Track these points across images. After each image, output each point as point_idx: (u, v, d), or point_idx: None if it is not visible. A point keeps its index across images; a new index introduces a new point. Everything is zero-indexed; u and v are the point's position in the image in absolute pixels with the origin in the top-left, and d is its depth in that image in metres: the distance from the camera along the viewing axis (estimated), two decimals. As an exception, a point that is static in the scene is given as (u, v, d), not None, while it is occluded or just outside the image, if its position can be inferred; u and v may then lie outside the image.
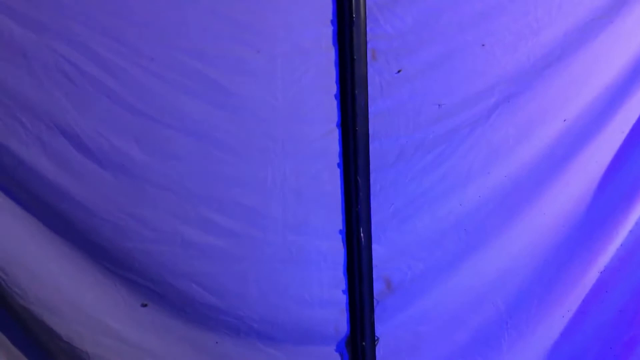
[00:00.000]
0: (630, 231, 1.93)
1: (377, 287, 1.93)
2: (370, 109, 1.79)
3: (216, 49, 1.66)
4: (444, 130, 1.83)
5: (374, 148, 1.82)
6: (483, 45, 1.76)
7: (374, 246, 1.89)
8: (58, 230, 1.69)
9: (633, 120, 1.89)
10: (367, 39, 1.73)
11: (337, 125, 1.78)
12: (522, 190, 1.91)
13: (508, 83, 1.80)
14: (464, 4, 1.74)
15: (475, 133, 1.84)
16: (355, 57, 1.71)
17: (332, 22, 1.70)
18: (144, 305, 1.80)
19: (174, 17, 1.62)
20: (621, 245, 1.94)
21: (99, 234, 1.71)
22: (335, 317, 1.91)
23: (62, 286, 1.72)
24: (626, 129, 1.89)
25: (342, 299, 1.91)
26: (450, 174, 1.88)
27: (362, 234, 1.85)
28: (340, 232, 1.87)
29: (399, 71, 1.77)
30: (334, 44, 1.72)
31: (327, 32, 1.71)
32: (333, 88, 1.76)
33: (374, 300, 1.93)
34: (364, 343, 1.92)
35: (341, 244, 1.87)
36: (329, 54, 1.73)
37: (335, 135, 1.79)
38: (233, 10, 1.65)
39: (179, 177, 1.71)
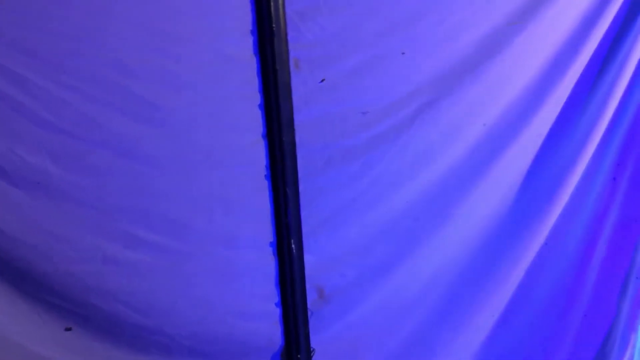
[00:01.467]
0: (551, 229, 1.93)
1: (311, 297, 1.86)
2: (296, 118, 1.73)
3: (135, 60, 1.57)
4: (369, 137, 1.79)
5: (302, 157, 1.77)
6: (403, 53, 1.74)
7: (306, 256, 1.83)
8: (-29, 254, 1.56)
9: (550, 122, 1.90)
10: (289, 48, 1.67)
11: (262, 136, 1.72)
12: (449, 194, 1.88)
13: (429, 89, 1.78)
14: (384, 12, 1.71)
15: (400, 139, 1.81)
16: (277, 67, 1.65)
17: (251, 32, 1.63)
18: (68, 329, 1.67)
19: (89, 28, 1.52)
20: (544, 243, 1.94)
21: (17, 256, 1.58)
22: (269, 330, 1.83)
23: (-22, 313, 1.58)
24: (544, 131, 1.90)
25: (276, 311, 1.83)
26: (378, 180, 1.84)
27: (292, 245, 1.78)
28: (271, 243, 1.79)
29: (322, 80, 1.72)
30: (255, 53, 1.66)
31: (248, 41, 1.64)
32: (257, 98, 1.70)
33: (308, 311, 1.86)
34: (299, 355, 1.85)
35: (272, 255, 1.80)
36: (251, 64, 1.67)
37: (261, 146, 1.72)
38: (152, 20, 1.56)
39: (99, 192, 1.60)
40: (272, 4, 1.61)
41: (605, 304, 1.97)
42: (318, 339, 1.88)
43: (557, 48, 1.82)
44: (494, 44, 1.78)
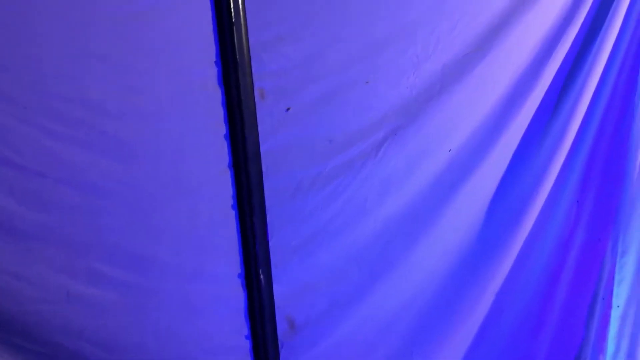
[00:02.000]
0: (519, 253, 1.94)
1: (281, 328, 1.83)
2: (262, 148, 1.71)
3: (99, 93, 1.54)
4: (336, 164, 1.78)
5: (270, 186, 1.75)
6: (367, 82, 1.74)
7: (275, 286, 1.80)
8: None
9: (514, 147, 1.92)
10: (254, 78, 1.66)
11: (229, 166, 1.69)
12: (417, 220, 1.88)
13: (394, 117, 1.78)
14: (347, 42, 1.71)
15: (367, 166, 1.80)
16: (242, 98, 1.64)
17: (215, 63, 1.62)
18: (32, 370, 1.61)
19: (51, 62, 1.49)
20: (512, 267, 1.95)
21: (-24, 297, 1.52)
22: (239, 364, 1.79)
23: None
24: (508, 155, 1.92)
25: (246, 344, 1.79)
26: (346, 207, 1.83)
27: (261, 276, 1.75)
28: (239, 275, 1.76)
29: (288, 109, 1.71)
30: (219, 84, 1.64)
31: (212, 73, 1.63)
32: (223, 129, 1.68)
33: (279, 342, 1.83)
34: (271, 387, 1.81)
35: (241, 287, 1.77)
36: (216, 95, 1.65)
37: (227, 176, 1.70)
38: (113, 53, 1.54)
39: (63, 230, 1.55)
40: (235, 35, 1.60)
41: (574, 326, 1.98)
42: (290, 370, 1.85)
43: (518, 74, 1.85)
44: (457, 72, 1.80)
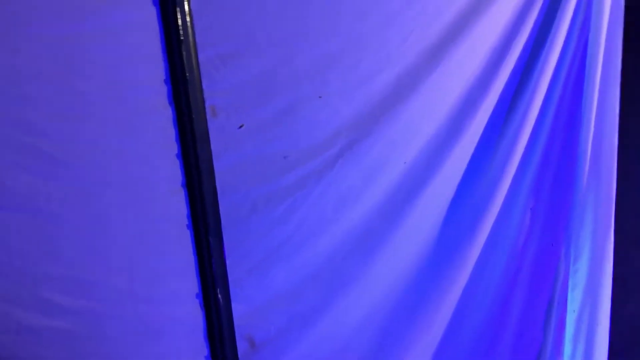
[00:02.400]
0: (476, 263, 1.94)
1: (241, 347, 1.79)
2: (216, 165, 1.68)
3: (43, 116, 1.49)
4: (292, 180, 1.76)
5: (225, 204, 1.71)
6: (320, 97, 1.73)
7: (234, 305, 1.76)
8: None
9: (468, 157, 1.93)
10: (205, 95, 1.63)
11: (182, 185, 1.66)
12: (374, 234, 1.87)
13: (348, 131, 1.76)
14: (300, 58, 1.69)
15: (323, 182, 1.78)
16: (193, 116, 1.60)
17: (165, 81, 1.59)
18: (-20, 405, 1.54)
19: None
20: (470, 277, 1.95)
21: None
22: (199, 386, 1.75)
23: None
24: (462, 166, 1.92)
25: (206, 365, 1.76)
26: (303, 223, 1.81)
27: (219, 295, 1.72)
28: (197, 295, 1.72)
29: (241, 126, 1.68)
30: (170, 103, 1.60)
31: (162, 91, 1.59)
32: (175, 148, 1.64)
33: (240, 362, 1.79)
34: (232, 408, 1.77)
35: (198, 307, 1.73)
36: (167, 113, 1.61)
37: (181, 196, 1.66)
38: (59, 73, 1.49)
39: (9, 259, 1.49)
40: (184, 52, 1.56)
41: (532, 331, 2.00)
42: (252, 390, 1.82)
43: (470, 83, 1.86)
44: (410, 83, 1.80)
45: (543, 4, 1.83)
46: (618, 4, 1.81)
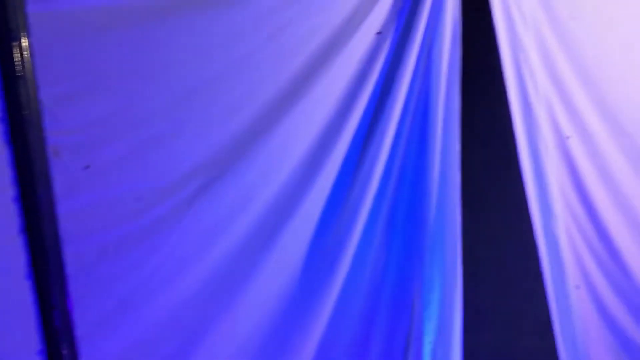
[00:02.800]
0: (337, 297, 1.94)
1: (92, 407, 1.65)
2: (60, 209, 1.55)
3: None
4: (147, 223, 1.68)
5: (71, 250, 1.59)
6: (176, 135, 1.68)
7: (84, 361, 1.63)
8: None
9: (326, 194, 1.95)
10: (47, 135, 1.52)
11: (21, 231, 1.52)
12: (236, 274, 1.83)
13: (206, 169, 1.72)
14: (152, 95, 1.63)
15: (180, 223, 1.72)
16: (32, 156, 1.48)
17: (1, 119, 1.47)
18: None
19: None
20: (332, 312, 1.95)
21: None
22: None
23: None
24: (321, 203, 1.94)
25: None
26: (161, 267, 1.72)
27: (64, 351, 1.57)
28: (39, 352, 1.57)
29: (87, 167, 1.59)
30: (7, 142, 1.48)
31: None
32: (12, 190, 1.51)
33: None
34: None
35: (41, 366, 1.57)
36: (2, 154, 1.49)
37: (19, 243, 1.52)
38: None
39: None
40: (22, 89, 1.46)
41: (392, 366, 2.02)
42: None
43: (326, 122, 1.89)
44: (267, 123, 1.80)
45: (389, 52, 1.93)
46: (455, 55, 1.93)
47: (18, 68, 1.45)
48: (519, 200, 2.02)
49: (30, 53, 1.47)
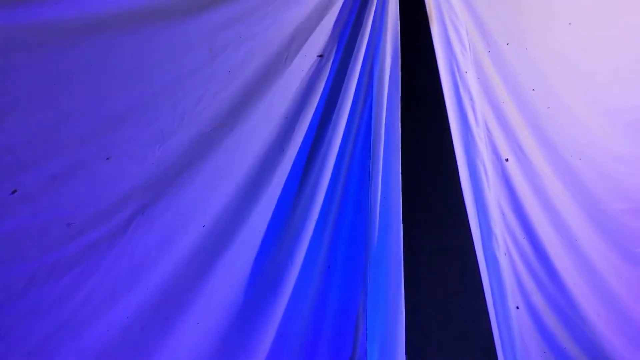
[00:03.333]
0: (279, 324, 1.89)
1: None
2: (-17, 237, 1.48)
3: None
4: (78, 249, 1.61)
5: (-4, 279, 1.51)
6: (108, 158, 1.62)
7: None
8: None
9: (267, 218, 1.90)
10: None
11: (-61, 261, 1.43)
12: (173, 300, 1.76)
13: (141, 194, 1.66)
14: (84, 116, 1.57)
15: (114, 249, 1.65)
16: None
17: None
18: None
19: None
20: (274, 339, 1.89)
21: None
22: None
23: None
24: (262, 227, 1.89)
25: None
26: (92, 296, 1.65)
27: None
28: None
29: (14, 191, 1.51)
30: None
31: None
32: None
33: None
34: None
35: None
36: None
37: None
38: None
39: None
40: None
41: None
42: None
43: (266, 147, 1.84)
44: (205, 146, 1.75)
45: (329, 75, 1.91)
46: (395, 79, 1.94)
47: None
48: (460, 221, 2.02)
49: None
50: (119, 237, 1.66)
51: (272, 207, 1.88)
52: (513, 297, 2.14)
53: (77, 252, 1.61)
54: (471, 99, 2.04)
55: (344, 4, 1.91)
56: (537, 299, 2.19)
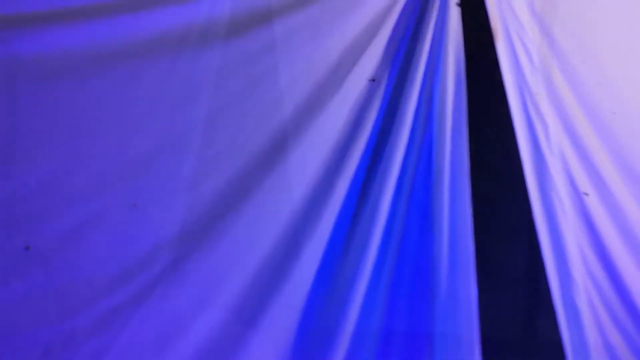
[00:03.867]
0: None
1: None
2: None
3: None
4: (100, 313, 1.43)
5: (5, 349, 1.35)
6: (134, 204, 1.41)
7: None
8: None
9: (312, 274, 1.68)
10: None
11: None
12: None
13: (171, 246, 1.47)
14: (105, 157, 1.39)
15: (140, 311, 1.47)
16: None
17: None
18: None
19: None
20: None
21: None
22: None
23: None
24: (307, 285, 1.66)
25: None
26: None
27: None
28: None
29: (27, 247, 1.32)
30: None
31: None
32: None
33: None
34: None
35: None
36: None
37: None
38: None
39: None
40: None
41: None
42: None
43: (312, 184, 1.64)
44: (243, 188, 1.55)
45: (383, 99, 1.72)
46: (460, 102, 1.73)
47: None
48: (536, 267, 1.80)
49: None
50: (146, 297, 1.47)
51: (320, 256, 1.66)
52: (595, 348, 1.88)
53: (97, 317, 1.44)
54: (544, 123, 1.81)
55: (397, 21, 1.72)
56: (621, 349, 1.95)
